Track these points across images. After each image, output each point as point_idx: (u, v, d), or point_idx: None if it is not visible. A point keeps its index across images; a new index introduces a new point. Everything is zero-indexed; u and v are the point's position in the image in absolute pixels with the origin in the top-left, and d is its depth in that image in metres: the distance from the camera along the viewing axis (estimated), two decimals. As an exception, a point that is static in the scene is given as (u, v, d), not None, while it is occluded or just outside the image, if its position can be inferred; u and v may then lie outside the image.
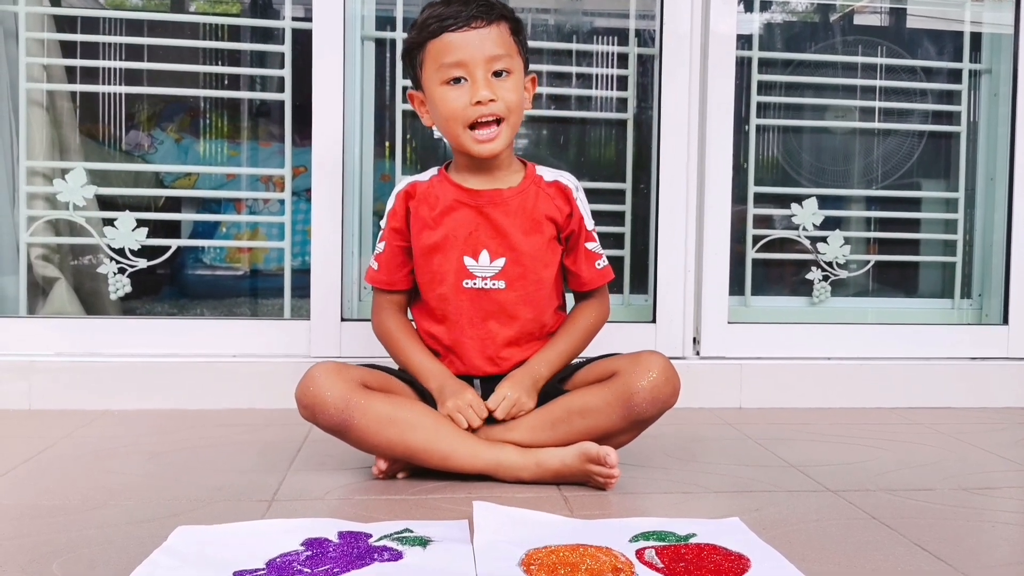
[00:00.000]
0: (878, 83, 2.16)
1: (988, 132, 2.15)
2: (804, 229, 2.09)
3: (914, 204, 2.25)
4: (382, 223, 1.38)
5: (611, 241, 2.04)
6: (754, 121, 2.08)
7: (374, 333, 1.41)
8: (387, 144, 2.06)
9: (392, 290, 1.37)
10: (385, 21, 2.02)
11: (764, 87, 2.10)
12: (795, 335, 1.96)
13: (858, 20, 2.46)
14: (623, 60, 2.05)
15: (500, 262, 1.30)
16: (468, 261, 1.30)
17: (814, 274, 2.09)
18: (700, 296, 1.92)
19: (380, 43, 2.00)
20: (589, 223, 1.37)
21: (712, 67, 1.90)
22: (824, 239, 2.09)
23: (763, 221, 2.10)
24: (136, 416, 1.65)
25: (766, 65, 2.11)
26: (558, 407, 1.26)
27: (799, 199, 2.09)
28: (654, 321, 1.91)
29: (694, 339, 1.93)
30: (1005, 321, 2.02)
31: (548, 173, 1.36)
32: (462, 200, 1.31)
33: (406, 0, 1.95)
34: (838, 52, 2.23)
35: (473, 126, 1.25)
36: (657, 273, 1.91)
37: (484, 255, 1.30)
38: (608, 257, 2.01)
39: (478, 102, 1.23)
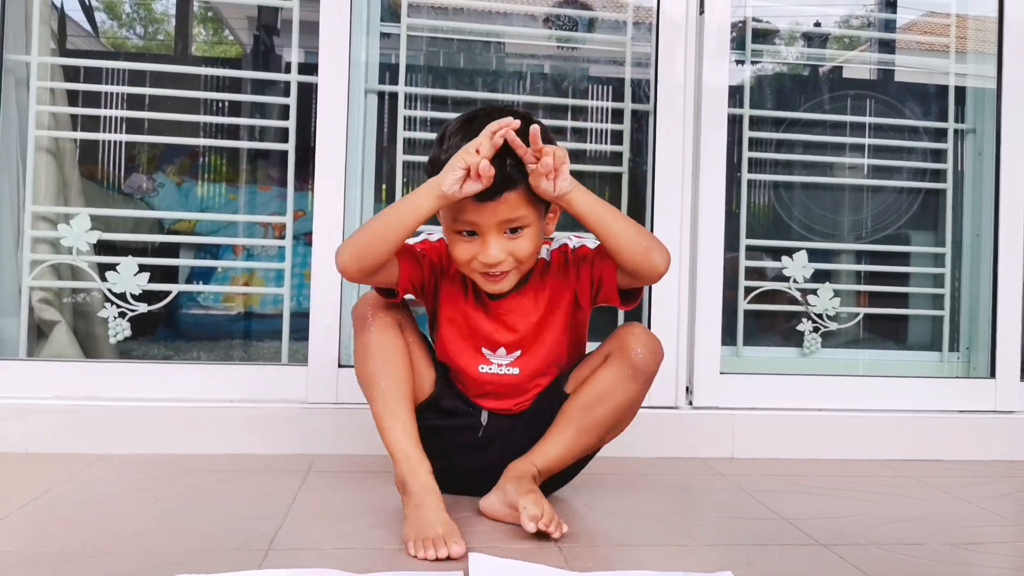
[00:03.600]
0: (866, 141, 2.23)
1: (974, 189, 2.21)
2: (795, 281, 2.13)
3: (902, 258, 2.29)
4: (418, 239, 1.36)
5: (605, 290, 2.07)
6: (746, 176, 2.14)
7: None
8: (383, 189, 2.10)
9: (398, 289, 1.32)
10: (386, 68, 2.07)
11: (755, 143, 2.16)
12: (786, 386, 1.99)
13: (847, 73, 2.54)
14: (618, 115, 2.11)
15: (516, 354, 1.36)
16: (486, 352, 1.37)
17: (805, 325, 2.13)
18: (693, 346, 1.95)
19: (382, 96, 2.05)
20: (593, 243, 1.36)
21: (705, 121, 1.96)
22: (814, 291, 2.13)
23: (755, 273, 2.14)
24: (133, 461, 1.66)
25: (757, 123, 2.17)
26: (575, 409, 1.32)
27: (790, 252, 2.14)
28: (647, 371, 1.93)
29: (687, 388, 1.95)
30: (992, 375, 2.05)
31: (545, 250, 1.39)
32: (480, 308, 1.36)
33: (409, 45, 2.01)
34: (827, 107, 2.30)
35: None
36: (651, 323, 1.94)
37: (502, 351, 1.36)
38: (601, 308, 2.06)
39: (485, 263, 1.26)
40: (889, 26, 2.54)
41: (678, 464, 1.81)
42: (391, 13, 2.10)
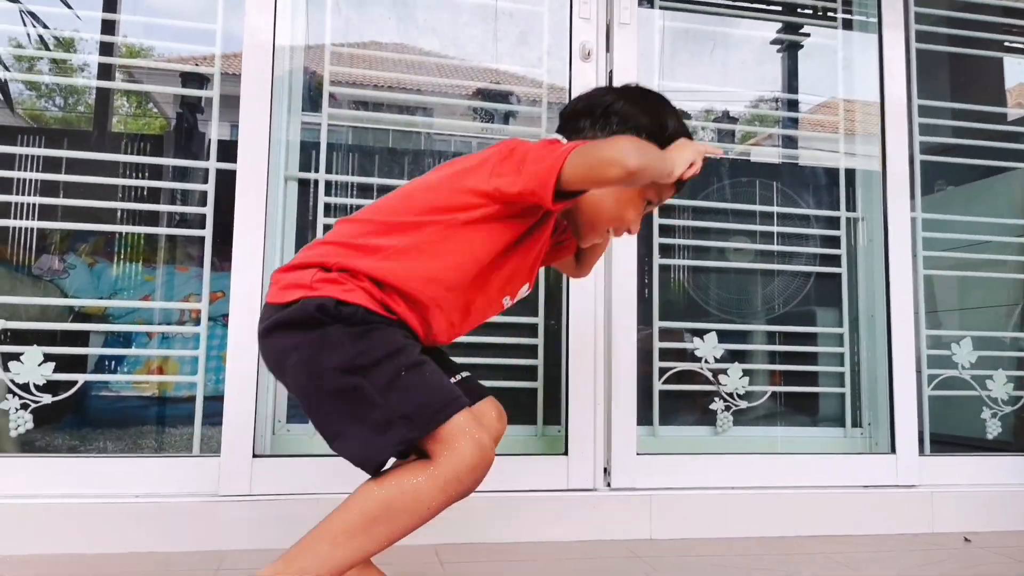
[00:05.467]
0: (757, 228, 2.36)
1: (867, 273, 2.35)
2: (706, 361, 2.21)
3: (808, 338, 2.40)
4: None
5: (525, 373, 2.11)
6: (656, 261, 2.23)
7: None
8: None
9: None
10: (307, 155, 2.10)
11: (665, 230, 2.26)
12: (701, 465, 2.04)
13: (754, 157, 2.69)
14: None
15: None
16: (523, 291, 1.33)
17: (717, 404, 2.20)
18: (610, 428, 1.99)
19: (303, 183, 2.08)
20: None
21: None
22: (725, 371, 2.21)
23: (668, 354, 2.21)
24: (30, 563, 1.57)
25: (666, 210, 2.28)
26: None
27: (701, 333, 2.22)
28: (566, 453, 1.96)
29: (605, 470, 1.98)
30: (892, 450, 2.15)
31: None
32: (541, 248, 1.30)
33: (330, 136, 2.05)
34: (732, 193, 2.43)
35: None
36: (568, 407, 1.98)
37: (525, 288, 1.34)
38: (522, 389, 2.10)
39: (633, 231, 1.33)
40: (790, 112, 2.72)
41: (597, 547, 1.82)
42: (312, 102, 2.14)
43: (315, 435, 1.95)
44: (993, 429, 2.35)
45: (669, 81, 2.36)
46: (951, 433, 2.37)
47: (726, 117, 2.67)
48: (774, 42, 2.67)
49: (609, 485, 1.97)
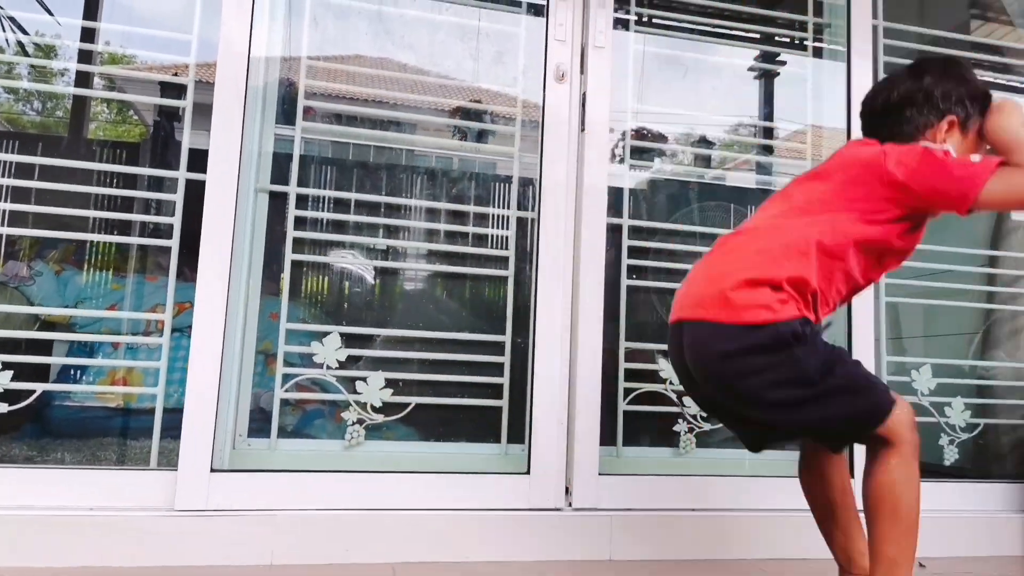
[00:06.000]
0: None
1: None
2: (670, 383, 2.22)
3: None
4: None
5: (491, 391, 2.11)
6: (624, 282, 2.24)
7: None
8: (281, 279, 2.09)
9: None
10: (278, 168, 2.09)
11: (635, 252, 2.27)
12: (662, 486, 2.05)
13: (729, 182, 2.72)
14: (503, 221, 2.19)
15: None
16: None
17: (680, 426, 2.21)
18: (572, 448, 1.99)
19: (276, 196, 2.07)
20: None
21: (585, 227, 2.06)
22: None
23: (634, 375, 2.22)
24: (-24, 575, 1.55)
25: (636, 232, 2.29)
26: None
27: (666, 354, 2.24)
28: (528, 472, 1.96)
29: (566, 489, 1.98)
30: (852, 475, 2.16)
31: None
32: None
33: (304, 147, 2.05)
34: (705, 213, 2.45)
35: None
36: (532, 425, 1.98)
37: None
38: (487, 408, 2.10)
39: None
40: (765, 139, 2.75)
41: (556, 567, 1.82)
42: (287, 115, 2.14)
43: (276, 449, 1.96)
44: (950, 456, 2.38)
45: (643, 104, 2.38)
46: (910, 459, 2.39)
47: (703, 142, 2.70)
48: (751, 69, 2.71)
49: (571, 505, 1.97)
